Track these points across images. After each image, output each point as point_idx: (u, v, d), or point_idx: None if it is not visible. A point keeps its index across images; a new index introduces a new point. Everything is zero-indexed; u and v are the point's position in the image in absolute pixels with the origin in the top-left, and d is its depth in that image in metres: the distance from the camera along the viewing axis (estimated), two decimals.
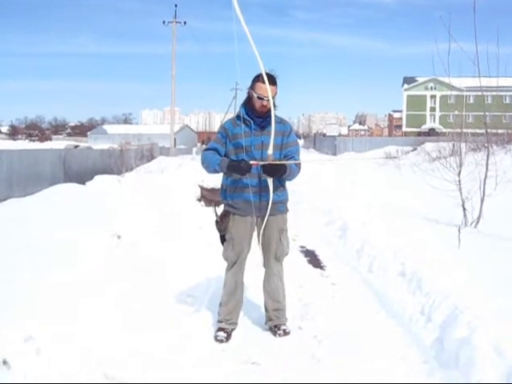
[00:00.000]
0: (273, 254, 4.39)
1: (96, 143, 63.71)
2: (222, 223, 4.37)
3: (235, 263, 4.39)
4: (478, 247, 6.53)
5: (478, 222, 8.37)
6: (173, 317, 4.69)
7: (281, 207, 4.37)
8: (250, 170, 4.04)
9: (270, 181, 4.14)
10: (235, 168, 4.05)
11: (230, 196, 4.32)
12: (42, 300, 4.19)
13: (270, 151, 4.05)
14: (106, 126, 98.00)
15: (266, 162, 4.03)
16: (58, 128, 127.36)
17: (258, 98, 4.12)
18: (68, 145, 46.88)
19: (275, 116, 4.19)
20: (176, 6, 36.63)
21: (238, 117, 4.30)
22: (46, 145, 61.19)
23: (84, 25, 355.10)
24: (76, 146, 40.74)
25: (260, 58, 4.02)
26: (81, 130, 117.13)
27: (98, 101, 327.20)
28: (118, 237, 6.67)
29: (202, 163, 4.30)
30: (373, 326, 4.57)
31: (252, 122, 4.19)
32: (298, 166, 4.28)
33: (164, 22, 35.78)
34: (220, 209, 4.50)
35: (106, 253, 6.01)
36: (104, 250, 6.09)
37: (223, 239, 4.45)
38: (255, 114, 4.19)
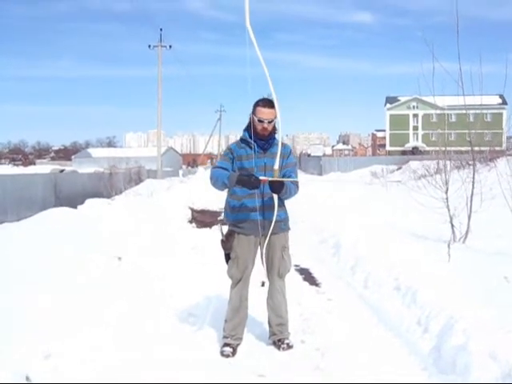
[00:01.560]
0: (276, 271, 4.58)
1: (81, 167, 63.39)
2: (227, 242, 4.55)
3: (240, 280, 4.57)
4: (467, 261, 6.76)
5: (465, 238, 8.61)
6: (177, 334, 4.84)
7: (283, 226, 4.58)
8: (259, 186, 4.23)
9: (275, 198, 4.35)
10: (245, 182, 4.21)
11: (235, 216, 4.52)
12: (54, 319, 4.35)
13: (276, 166, 4.27)
14: (90, 150, 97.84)
15: (274, 179, 4.23)
16: (41, 152, 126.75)
17: (259, 121, 4.37)
18: (53, 169, 46.55)
19: (275, 139, 4.46)
20: (161, 29, 37.10)
21: (241, 140, 4.53)
22: (31, 169, 60.60)
23: (67, 48, 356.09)
24: (62, 171, 40.58)
25: (271, 81, 4.27)
26: (65, 154, 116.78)
27: (82, 124, 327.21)
28: (119, 258, 6.83)
29: (211, 179, 4.46)
30: (371, 338, 4.76)
31: (255, 144, 4.41)
32: (296, 185, 4.50)
33: (150, 46, 36.19)
34: (225, 228, 4.69)
35: (107, 273, 6.16)
36: (105, 270, 6.24)
37: (228, 258, 4.62)
38: (257, 137, 4.42)
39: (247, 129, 4.48)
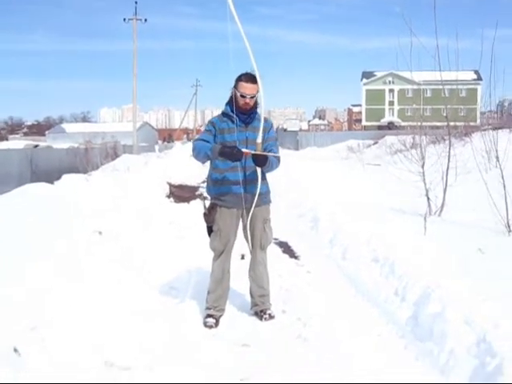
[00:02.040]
0: (258, 243, 4.67)
1: (55, 142, 62.60)
2: (209, 215, 4.61)
3: (222, 253, 4.65)
4: (443, 234, 6.92)
5: (441, 211, 8.79)
6: (160, 308, 4.90)
7: (264, 199, 4.65)
8: (241, 158, 4.29)
9: (259, 171, 4.41)
10: (228, 154, 4.27)
11: (217, 189, 4.58)
12: (37, 293, 4.38)
13: (259, 140, 4.34)
14: (64, 125, 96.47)
15: (258, 152, 4.30)
16: (14, 127, 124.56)
17: (241, 96, 4.41)
18: (27, 144, 45.98)
19: (257, 113, 4.51)
20: (136, 2, 36.55)
21: (223, 113, 4.58)
22: (3, 145, 59.86)
23: (40, 21, 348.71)
24: (35, 146, 40.10)
25: (253, 55, 4.31)
26: (38, 130, 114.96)
27: (55, 99, 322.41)
28: (100, 233, 6.84)
29: (193, 151, 4.51)
30: (350, 308, 4.90)
31: (237, 118, 4.46)
32: (278, 159, 4.57)
33: (125, 20, 35.71)
34: (207, 202, 4.75)
35: (89, 248, 6.18)
36: (87, 245, 6.26)
37: (210, 230, 4.69)
38: (239, 111, 4.46)
39: (229, 103, 4.52)
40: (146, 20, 36.35)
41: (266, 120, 4.58)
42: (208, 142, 4.47)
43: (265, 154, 4.34)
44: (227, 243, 4.64)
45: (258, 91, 4.45)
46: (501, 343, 3.27)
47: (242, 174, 4.47)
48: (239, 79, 4.45)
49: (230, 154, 4.26)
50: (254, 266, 4.76)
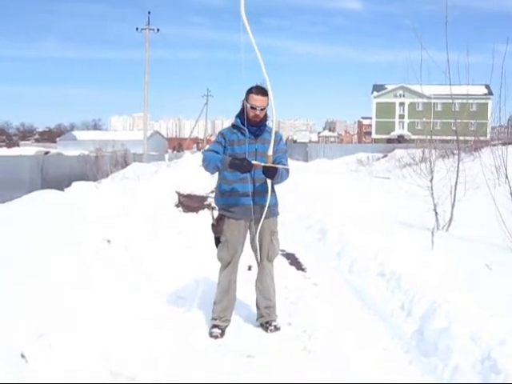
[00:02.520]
0: (265, 255, 4.69)
1: (66, 149, 63.00)
2: (217, 226, 4.65)
3: (229, 264, 4.68)
4: (450, 249, 6.91)
5: (449, 226, 8.78)
6: (166, 317, 4.92)
7: (273, 210, 4.68)
8: (251, 170, 4.32)
9: (269, 184, 4.44)
10: (238, 166, 4.29)
11: (225, 200, 4.61)
12: (46, 300, 4.42)
13: (270, 152, 4.36)
14: (75, 132, 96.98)
15: (268, 164, 4.32)
16: (25, 134, 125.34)
17: (252, 107, 4.46)
18: (38, 151, 46.30)
19: (266, 126, 4.55)
20: (149, 12, 36.89)
21: (233, 125, 4.63)
22: (14, 151, 60.24)
23: (53, 29, 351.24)
24: (46, 153, 40.35)
25: (264, 67, 4.35)
26: (49, 136, 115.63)
27: (67, 106, 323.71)
28: (108, 241, 6.88)
29: (203, 161, 4.55)
30: (356, 321, 4.91)
31: (247, 130, 4.50)
32: (287, 171, 4.60)
33: (137, 29, 35.98)
34: (216, 213, 4.78)
35: (98, 256, 6.22)
36: (96, 253, 6.30)
37: (218, 241, 4.72)
38: (249, 124, 4.50)
39: (239, 115, 4.57)
40: (158, 30, 36.64)
41: (275, 132, 4.61)
42: (218, 153, 4.51)
43: (275, 166, 4.37)
44: (234, 254, 4.66)
45: (268, 104, 4.50)
46: (506, 360, 3.28)
47: (251, 185, 4.51)
48: (250, 91, 4.50)
49: (240, 165, 4.29)
50: (262, 278, 4.78)
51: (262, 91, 4.46)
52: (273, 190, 4.64)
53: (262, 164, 4.33)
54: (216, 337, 4.55)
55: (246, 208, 4.49)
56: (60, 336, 3.84)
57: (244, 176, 4.44)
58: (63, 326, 4.01)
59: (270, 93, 4.44)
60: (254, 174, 4.47)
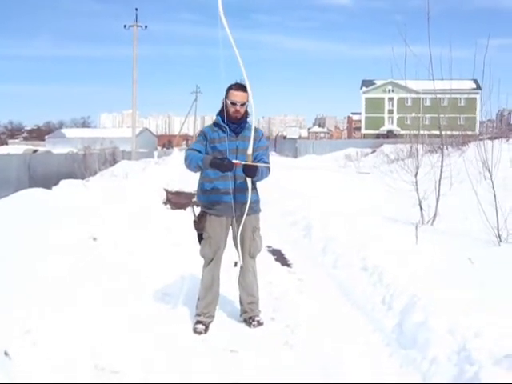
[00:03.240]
0: (247, 251, 4.74)
1: (55, 147, 62.69)
2: (199, 223, 4.70)
3: (212, 260, 4.73)
4: (434, 243, 6.97)
5: (434, 220, 8.87)
6: (152, 313, 4.97)
7: (254, 207, 4.73)
8: (232, 169, 4.36)
9: (249, 181, 4.49)
10: (219, 165, 4.34)
11: (207, 197, 4.67)
12: (32, 298, 4.45)
13: (250, 151, 4.40)
14: (64, 130, 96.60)
15: (248, 163, 4.36)
16: (13, 132, 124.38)
17: (232, 103, 4.52)
18: (26, 149, 46.02)
19: (247, 123, 4.59)
20: (137, 9, 36.65)
21: (214, 123, 4.67)
22: (3, 149, 59.91)
23: (41, 27, 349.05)
24: (35, 151, 40.13)
25: (243, 63, 4.40)
26: (38, 134, 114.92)
27: (55, 104, 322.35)
28: (94, 239, 6.92)
29: (185, 160, 4.61)
30: (339, 315, 4.97)
31: (228, 128, 4.54)
32: (268, 168, 4.65)
33: (125, 26, 35.79)
34: (198, 210, 4.83)
35: (83, 254, 6.25)
36: (81, 251, 6.34)
37: (200, 238, 4.77)
38: (230, 121, 4.55)
39: (220, 113, 4.62)
40: (146, 27, 36.40)
41: (256, 129, 4.66)
42: (200, 151, 4.56)
43: (255, 164, 4.41)
44: (217, 251, 4.72)
45: (247, 100, 4.55)
46: (479, 352, 3.36)
47: (233, 183, 4.56)
48: (229, 88, 4.56)
49: (221, 164, 4.33)
50: (244, 274, 4.84)
51: (241, 87, 4.53)
52: (254, 187, 4.69)
53: (243, 163, 4.37)
54: (200, 332, 4.60)
55: (227, 205, 4.54)
56: (45, 333, 3.89)
57: (225, 174, 4.48)
58: (49, 323, 4.06)
59: (249, 89, 4.50)
60: (235, 172, 4.50)
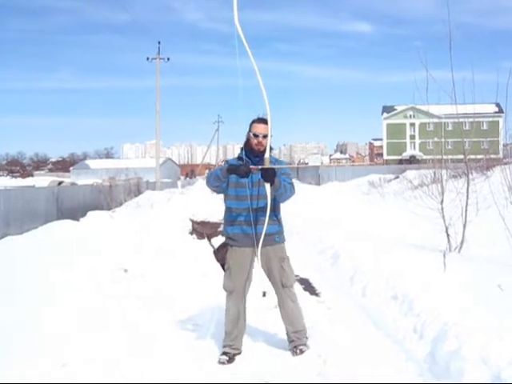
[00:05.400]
0: (279, 283, 4.77)
1: (79, 178, 63.70)
2: (218, 253, 4.81)
3: (233, 292, 4.77)
4: (462, 270, 6.96)
5: (461, 247, 8.82)
6: (181, 343, 5.04)
7: (277, 238, 4.77)
8: (249, 173, 4.45)
9: (267, 187, 4.49)
10: (236, 169, 4.47)
11: (230, 229, 4.75)
12: (67, 330, 4.55)
13: (267, 155, 4.52)
14: (88, 161, 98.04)
15: (265, 166, 4.45)
16: (39, 164, 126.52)
17: (254, 135, 4.64)
18: (52, 181, 46.72)
19: (270, 156, 4.66)
20: (159, 42, 37.30)
21: (238, 157, 4.79)
22: (29, 181, 60.93)
23: (65, 60, 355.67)
24: (60, 183, 40.70)
25: (265, 93, 4.52)
26: (62, 166, 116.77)
27: (80, 136, 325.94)
28: (125, 270, 7.01)
29: (207, 179, 4.77)
30: (370, 345, 4.97)
31: (250, 162, 4.64)
32: (292, 185, 4.70)
33: (148, 59, 36.40)
34: (216, 240, 4.92)
35: (115, 285, 6.35)
36: (113, 282, 6.44)
37: (224, 269, 4.85)
38: (253, 155, 4.66)
39: (244, 146, 4.76)
40: (168, 59, 37.04)
41: (278, 162, 4.84)
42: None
43: (272, 167, 4.48)
44: (238, 282, 4.75)
45: (269, 133, 4.66)
46: None
47: (254, 215, 4.62)
48: (252, 122, 4.73)
49: (238, 169, 4.45)
50: (283, 304, 4.83)
51: (263, 120, 4.69)
52: (276, 218, 4.76)
53: (259, 167, 4.46)
54: (223, 363, 4.61)
55: (249, 237, 4.62)
56: (81, 364, 3.97)
57: (247, 205, 4.59)
58: (84, 354, 4.14)
59: (270, 121, 4.60)
60: (257, 204, 4.61)
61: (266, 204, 4.56)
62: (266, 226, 4.57)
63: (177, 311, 6.04)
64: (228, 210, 4.79)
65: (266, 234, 4.58)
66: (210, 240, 5.09)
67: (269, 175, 4.44)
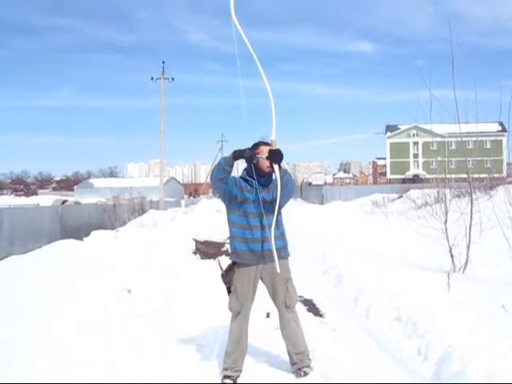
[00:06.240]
0: (282, 303, 4.77)
1: (83, 197, 63.82)
2: (226, 276, 4.79)
3: (239, 313, 4.77)
4: (467, 291, 6.94)
5: (465, 268, 8.80)
6: (184, 364, 5.04)
7: (282, 253, 4.77)
8: (254, 156, 4.54)
9: (276, 168, 4.55)
10: (241, 153, 4.49)
11: (238, 245, 4.74)
12: (69, 348, 4.56)
13: (273, 137, 4.56)
14: (92, 180, 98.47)
15: (273, 148, 4.52)
16: (43, 182, 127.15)
17: (267, 158, 4.62)
18: (56, 200, 46.81)
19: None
20: (163, 62, 37.61)
21: (242, 178, 4.81)
22: (33, 199, 61.16)
23: (68, 79, 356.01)
24: (64, 201, 40.77)
25: (274, 109, 4.59)
26: (66, 184, 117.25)
27: (83, 155, 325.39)
28: (129, 291, 7.03)
29: (211, 176, 4.75)
30: (374, 365, 4.96)
31: (254, 181, 4.68)
32: (293, 182, 4.79)
33: (152, 79, 36.65)
34: (224, 262, 4.92)
35: (119, 305, 6.36)
36: (117, 302, 6.45)
37: (229, 291, 4.83)
38: (259, 175, 4.69)
39: (245, 170, 4.79)
40: (173, 79, 37.29)
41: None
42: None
43: (278, 148, 4.52)
44: (244, 304, 4.75)
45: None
46: None
47: (260, 232, 4.66)
48: (258, 145, 4.73)
49: (242, 152, 4.48)
50: (285, 325, 4.83)
51: (265, 143, 4.71)
52: (280, 233, 4.79)
53: (264, 150, 4.54)
54: None
55: (255, 254, 4.66)
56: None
57: (254, 223, 4.64)
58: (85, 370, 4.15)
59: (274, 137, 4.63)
60: (261, 222, 4.63)
61: (272, 221, 4.59)
62: (273, 240, 4.58)
63: (180, 331, 6.05)
64: (233, 224, 4.79)
65: (271, 250, 4.60)
66: (219, 262, 5.06)
67: (277, 155, 4.51)
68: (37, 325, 5.23)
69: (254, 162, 4.68)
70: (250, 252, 4.68)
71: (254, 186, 4.68)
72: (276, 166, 4.56)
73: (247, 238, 4.69)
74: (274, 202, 4.61)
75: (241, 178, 4.82)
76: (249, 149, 4.51)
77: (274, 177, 4.75)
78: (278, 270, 4.55)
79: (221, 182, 4.61)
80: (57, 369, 4.16)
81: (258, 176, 4.70)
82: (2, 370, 3.99)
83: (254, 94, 4.56)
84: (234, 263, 4.79)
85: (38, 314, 5.66)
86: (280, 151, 4.52)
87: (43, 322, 5.35)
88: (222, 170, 4.56)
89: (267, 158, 4.55)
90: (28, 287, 6.90)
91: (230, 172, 4.62)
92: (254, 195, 4.66)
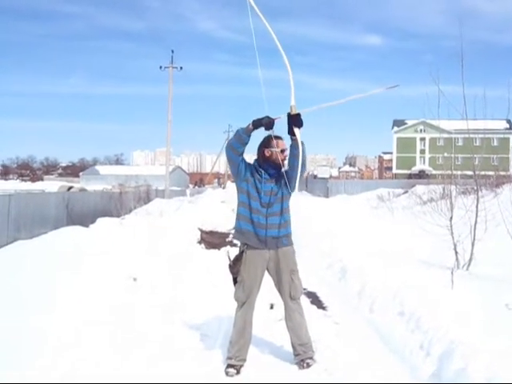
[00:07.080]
0: (288, 295, 4.83)
1: (88, 184, 64.02)
2: (234, 267, 4.84)
3: (244, 303, 4.83)
4: (470, 288, 6.96)
5: (469, 265, 8.80)
6: (189, 353, 5.09)
7: (284, 241, 4.84)
8: (272, 124, 4.56)
9: (296, 131, 4.59)
10: (260, 120, 4.54)
11: (244, 225, 4.82)
12: (73, 337, 4.61)
13: (293, 102, 4.58)
14: (98, 167, 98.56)
15: (293, 112, 4.53)
16: (49, 168, 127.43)
17: (281, 151, 4.76)
18: (61, 186, 46.94)
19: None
20: (173, 51, 37.57)
21: (254, 166, 4.89)
22: (38, 185, 61.33)
23: (77, 66, 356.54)
24: (70, 188, 40.89)
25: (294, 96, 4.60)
26: (72, 171, 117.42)
27: (90, 141, 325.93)
28: (134, 279, 7.07)
29: (228, 144, 4.81)
30: (376, 360, 5.00)
31: (263, 172, 4.78)
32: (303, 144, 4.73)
33: (161, 67, 36.66)
34: (232, 254, 4.97)
35: (125, 294, 6.41)
36: (123, 291, 6.50)
37: (235, 281, 4.89)
38: (271, 167, 4.78)
39: (260, 160, 4.85)
40: (181, 68, 37.27)
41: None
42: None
43: (298, 112, 4.55)
44: (250, 294, 4.81)
45: (286, 147, 4.80)
46: None
47: (265, 218, 4.75)
48: (272, 139, 4.76)
49: (262, 120, 4.53)
50: (290, 316, 4.88)
51: (277, 137, 4.79)
52: (286, 221, 4.85)
53: (282, 116, 4.57)
54: (231, 376, 4.66)
55: (259, 239, 4.75)
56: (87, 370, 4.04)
57: (259, 208, 4.73)
58: (91, 355, 4.20)
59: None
60: (267, 211, 4.73)
61: (276, 210, 4.74)
62: (281, 228, 4.73)
63: (186, 321, 6.09)
64: (241, 204, 4.85)
65: (274, 237, 4.73)
66: (228, 253, 5.11)
67: (297, 120, 4.55)
68: (38, 314, 5.24)
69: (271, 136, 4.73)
70: (254, 234, 4.76)
71: (262, 175, 4.76)
72: (297, 130, 4.59)
73: (253, 220, 4.77)
74: (279, 192, 4.75)
75: (253, 165, 4.89)
76: (267, 116, 4.55)
77: (283, 169, 4.80)
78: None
79: (236, 152, 4.72)
80: (62, 356, 4.21)
81: (270, 167, 4.78)
82: (1, 370, 4.02)
83: (271, 84, 4.58)
84: (241, 253, 4.84)
85: (41, 302, 5.68)
86: (299, 116, 4.57)
87: (45, 311, 5.37)
88: (239, 140, 4.65)
89: (290, 120, 4.55)
90: (33, 273, 6.93)
91: (247, 142, 4.67)
92: (262, 184, 4.75)
